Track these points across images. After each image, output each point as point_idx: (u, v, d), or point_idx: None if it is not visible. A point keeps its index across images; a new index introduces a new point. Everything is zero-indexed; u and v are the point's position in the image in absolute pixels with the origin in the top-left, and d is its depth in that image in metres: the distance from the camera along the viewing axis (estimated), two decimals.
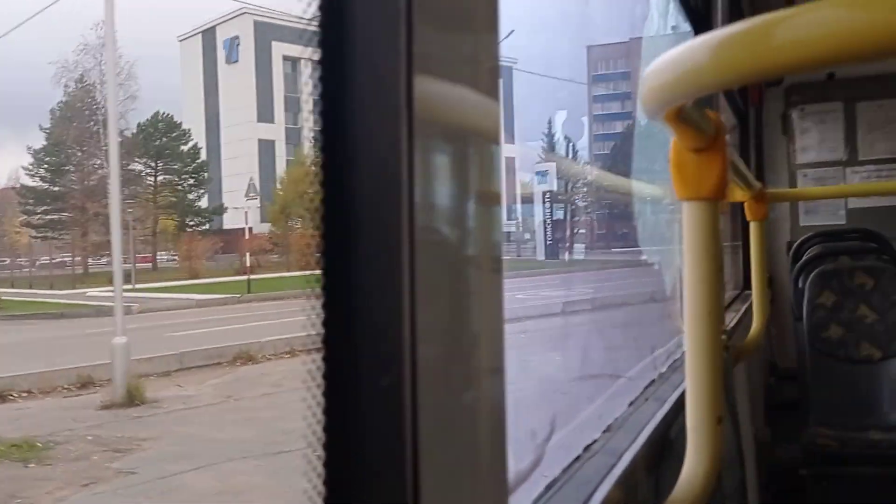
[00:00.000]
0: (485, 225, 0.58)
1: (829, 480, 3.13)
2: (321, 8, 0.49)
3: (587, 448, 1.07)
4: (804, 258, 3.86)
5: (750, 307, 2.71)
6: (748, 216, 2.36)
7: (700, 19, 2.29)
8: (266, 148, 49.32)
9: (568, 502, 0.85)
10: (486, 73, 0.59)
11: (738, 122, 4.19)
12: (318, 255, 0.49)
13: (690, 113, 0.81)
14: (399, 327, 0.47)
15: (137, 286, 30.45)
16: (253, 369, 12.13)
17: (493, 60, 0.60)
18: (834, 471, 3.15)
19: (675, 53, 0.60)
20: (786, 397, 3.98)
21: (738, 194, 2.22)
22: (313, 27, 0.50)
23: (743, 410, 2.61)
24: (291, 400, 8.63)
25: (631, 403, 1.35)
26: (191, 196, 47.32)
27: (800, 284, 3.69)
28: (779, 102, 4.79)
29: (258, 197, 38.83)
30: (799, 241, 4.21)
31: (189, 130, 47.60)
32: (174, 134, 46.80)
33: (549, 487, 0.91)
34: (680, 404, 1.33)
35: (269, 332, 13.95)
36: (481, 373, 0.56)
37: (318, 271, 0.48)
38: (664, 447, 1.23)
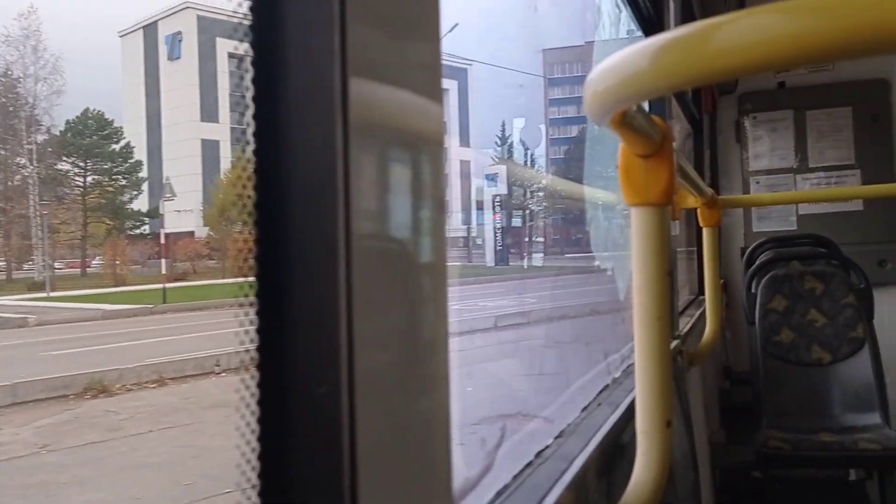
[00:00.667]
0: (428, 231, 0.58)
1: (781, 482, 3.19)
2: (252, 9, 0.48)
3: (539, 454, 1.07)
4: (757, 263, 3.92)
5: (704, 312, 2.74)
6: (701, 222, 2.39)
7: (651, 26, 2.32)
8: (210, 148, 47.53)
9: None
10: (428, 76, 0.58)
11: (692, 129, 4.25)
12: (252, 260, 0.48)
13: (636, 119, 0.81)
14: (336, 335, 0.46)
15: (53, 294, 28.82)
16: (100, 404, 10.04)
17: (434, 63, 0.60)
18: (786, 473, 3.20)
19: (616, 58, 0.60)
20: (740, 400, 4.04)
21: (690, 201, 2.25)
22: (246, 28, 0.49)
23: (697, 414, 2.64)
24: (118, 451, 7.51)
25: (584, 409, 1.35)
26: (123, 198, 45.19)
27: (753, 289, 3.75)
28: (732, 110, 4.87)
29: (175, 198, 37.28)
30: (752, 247, 4.29)
31: (121, 128, 45.70)
32: (105, 132, 44.64)
33: (499, 494, 0.91)
34: (632, 409, 1.34)
35: (156, 351, 12.42)
36: (425, 381, 0.55)
37: (251, 278, 0.47)
38: (616, 452, 1.23)
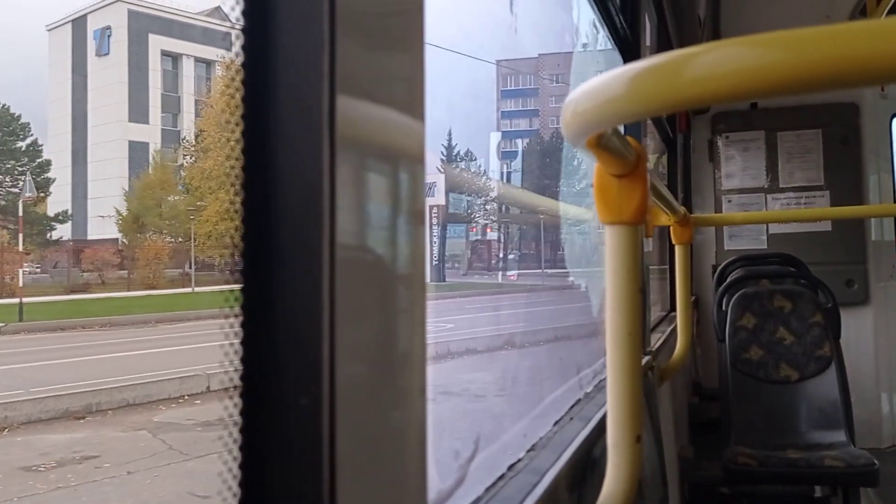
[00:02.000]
0: (408, 244, 0.59)
1: (748, 498, 3.22)
2: (244, 29, 0.49)
3: (511, 467, 1.09)
4: (728, 281, 3.97)
5: (676, 328, 2.77)
6: (673, 240, 2.43)
7: (628, 46, 2.36)
8: (138, 151, 43.77)
9: None
10: (411, 94, 0.60)
11: (666, 149, 4.31)
12: (237, 272, 0.49)
13: (612, 140, 0.83)
14: (318, 346, 0.47)
15: None
16: None
17: (417, 81, 0.61)
18: (753, 489, 3.24)
19: (594, 83, 0.62)
20: (709, 416, 4.08)
21: (663, 219, 2.28)
22: (237, 45, 0.50)
23: (667, 429, 2.67)
24: None
25: (556, 423, 1.37)
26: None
27: (723, 306, 3.80)
28: (706, 130, 4.95)
29: (35, 197, 34.08)
30: (723, 265, 4.35)
31: (28, 125, 42.65)
32: (10, 128, 41.71)
33: None
34: (604, 423, 1.36)
35: None
36: (403, 392, 0.57)
37: (236, 287, 0.48)
38: (588, 465, 1.25)
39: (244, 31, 0.49)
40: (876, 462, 3.06)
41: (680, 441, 3.49)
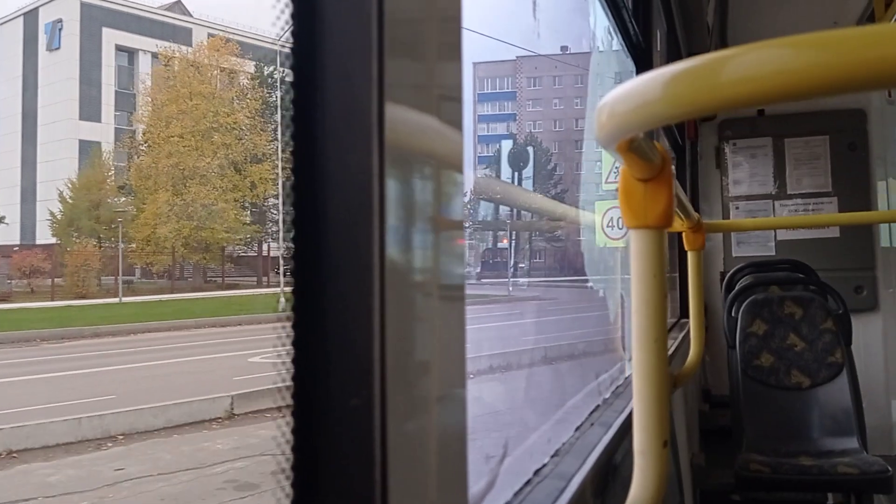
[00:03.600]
0: (449, 251, 0.60)
1: None
2: (293, 33, 0.50)
3: (537, 472, 1.09)
4: (737, 287, 3.97)
5: (687, 335, 2.77)
6: (686, 246, 2.42)
7: (641, 53, 2.37)
8: (90, 150, 40.20)
9: None
10: (451, 102, 0.61)
11: (675, 155, 4.32)
12: (290, 275, 0.49)
13: (641, 144, 0.84)
14: (369, 348, 0.48)
15: None
16: None
17: (457, 92, 0.62)
18: (766, 496, 3.23)
19: (630, 86, 0.63)
20: (719, 424, 4.07)
21: (676, 224, 2.28)
22: (286, 49, 0.50)
23: (680, 436, 2.67)
24: None
25: (577, 428, 1.37)
26: None
27: (733, 313, 3.79)
28: (713, 137, 4.95)
29: None
30: (732, 271, 4.34)
31: None
32: None
33: None
34: (624, 429, 1.36)
35: None
36: (446, 396, 0.57)
37: (290, 290, 0.49)
38: (609, 472, 1.25)
39: (293, 34, 0.50)
40: (889, 469, 3.04)
41: (691, 448, 3.48)
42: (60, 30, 42.44)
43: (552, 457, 1.17)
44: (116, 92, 41.97)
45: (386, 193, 0.49)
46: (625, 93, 0.64)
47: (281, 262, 32.85)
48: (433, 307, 0.57)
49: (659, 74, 0.57)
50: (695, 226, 2.32)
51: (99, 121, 41.52)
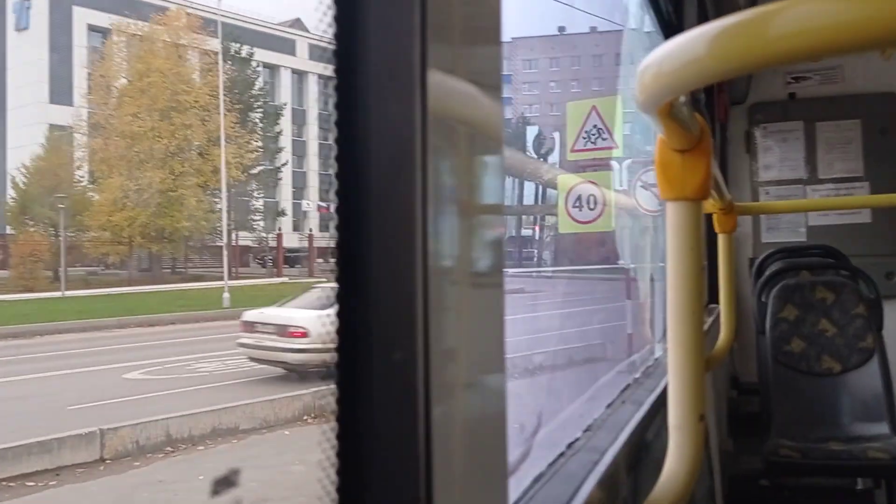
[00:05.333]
0: (490, 213, 0.59)
1: (790, 491, 3.19)
2: (336, 4, 0.49)
3: (570, 445, 1.08)
4: (767, 273, 3.93)
5: (716, 319, 2.75)
6: (717, 228, 2.40)
7: (670, 27, 2.34)
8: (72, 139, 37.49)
9: (554, 497, 0.85)
10: (491, 73, 0.60)
11: None
12: (335, 239, 0.49)
13: (681, 110, 0.83)
14: (413, 305, 0.47)
15: None
16: None
17: (496, 65, 0.61)
18: (795, 482, 3.20)
19: (671, 46, 0.62)
20: (747, 410, 4.04)
21: (707, 205, 2.26)
22: (327, 20, 0.50)
23: (710, 421, 2.65)
24: None
25: (609, 405, 1.36)
26: None
27: (763, 298, 3.75)
28: (742, 120, 4.89)
29: None
30: (763, 257, 4.29)
31: None
32: None
33: (536, 480, 0.92)
34: (656, 407, 1.35)
35: None
36: (487, 356, 0.57)
37: (334, 258, 0.49)
38: (642, 448, 1.24)
39: (336, 3, 0.49)
40: None
41: (720, 434, 3.46)
42: (28, 9, 39.98)
43: (584, 431, 1.17)
44: (89, 74, 37.98)
45: (428, 155, 0.48)
46: (671, 51, 0.62)
47: (225, 254, 29.91)
48: (475, 266, 0.57)
49: (706, 30, 0.56)
50: (726, 207, 2.29)
51: (70, 104, 37.76)
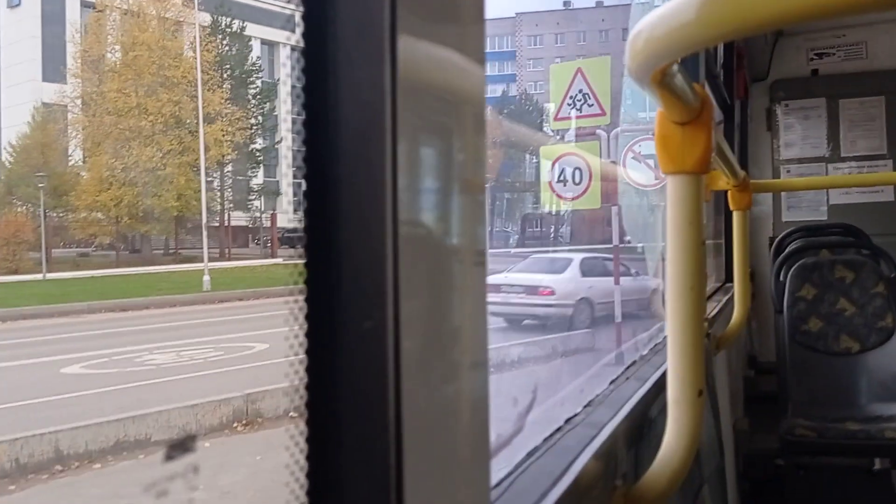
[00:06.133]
0: (467, 181, 0.58)
1: (805, 470, 3.17)
2: None
3: (568, 420, 1.08)
4: (786, 251, 3.89)
5: (731, 299, 2.72)
6: (731, 205, 2.37)
7: None
8: (57, 114, 36.07)
9: (549, 470, 0.85)
10: (472, 34, 0.59)
11: (723, 116, 4.22)
12: (302, 208, 0.48)
13: (677, 78, 0.81)
14: (382, 274, 0.47)
15: None
16: None
17: (478, 19, 0.60)
18: (811, 461, 3.18)
19: (660, 12, 0.61)
20: (764, 390, 4.02)
21: (721, 182, 2.23)
22: None
23: (723, 400, 2.64)
24: None
25: (612, 381, 1.36)
26: None
27: (781, 277, 3.72)
28: (763, 97, 4.82)
29: None
30: (782, 235, 4.25)
31: None
32: None
33: (530, 454, 0.92)
34: (661, 384, 1.34)
35: None
36: (463, 321, 0.57)
37: (302, 224, 0.48)
38: (644, 424, 1.24)
39: None
40: None
41: (735, 413, 3.45)
42: None
43: (585, 407, 1.16)
44: (83, 51, 36.44)
45: (399, 124, 0.47)
46: (660, 17, 0.61)
47: (204, 235, 27.84)
48: (449, 235, 0.56)
49: None
50: (741, 184, 2.27)
51: (65, 82, 36.31)
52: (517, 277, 11.14)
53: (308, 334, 0.48)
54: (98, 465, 6.69)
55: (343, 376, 0.47)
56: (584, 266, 11.24)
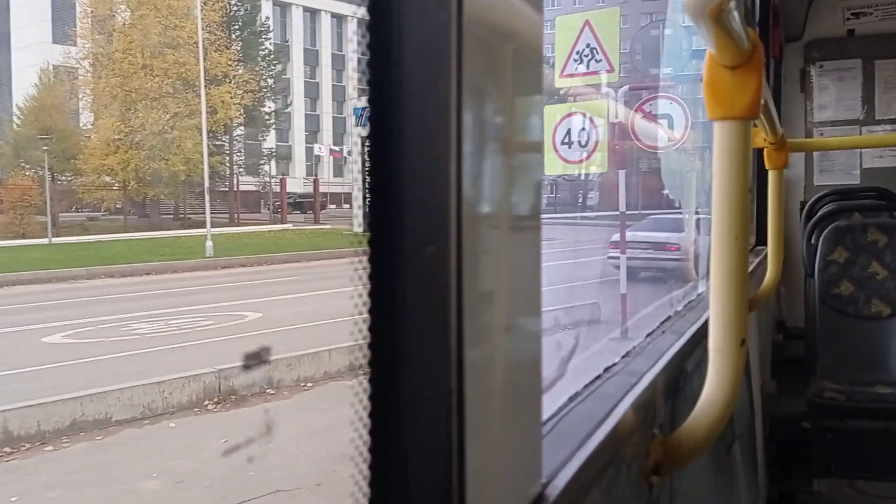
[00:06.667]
0: (526, 128, 0.58)
1: (833, 433, 3.16)
2: None
3: (607, 369, 1.08)
4: (818, 214, 3.84)
5: (763, 261, 2.70)
6: (767, 164, 2.34)
7: None
8: (66, 77, 36.10)
9: (591, 414, 0.85)
10: None
11: None
12: (367, 154, 0.48)
13: (733, 21, 0.79)
14: (446, 198, 0.46)
15: None
16: None
17: None
18: (838, 424, 3.17)
19: None
20: (791, 354, 4.00)
21: (757, 140, 2.20)
22: None
23: (753, 360, 2.62)
24: None
25: (648, 334, 1.36)
26: None
27: (812, 241, 3.68)
28: (798, 58, 4.73)
29: None
30: (814, 199, 4.20)
31: None
32: None
33: (571, 399, 0.92)
34: (697, 338, 1.34)
35: None
36: (521, 248, 0.57)
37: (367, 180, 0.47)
38: (680, 378, 1.24)
39: None
40: None
41: (763, 376, 3.44)
42: None
43: (622, 357, 1.16)
44: (92, 13, 35.78)
45: (464, 58, 0.46)
46: None
47: (207, 199, 26.51)
48: (510, 170, 0.56)
49: None
50: (778, 142, 2.23)
51: (74, 44, 35.87)
52: (644, 235, 11.94)
53: (371, 259, 0.47)
54: (50, 448, 6.15)
55: (407, 303, 0.47)
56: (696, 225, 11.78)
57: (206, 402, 7.11)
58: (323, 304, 10.90)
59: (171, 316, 11.50)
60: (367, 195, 0.47)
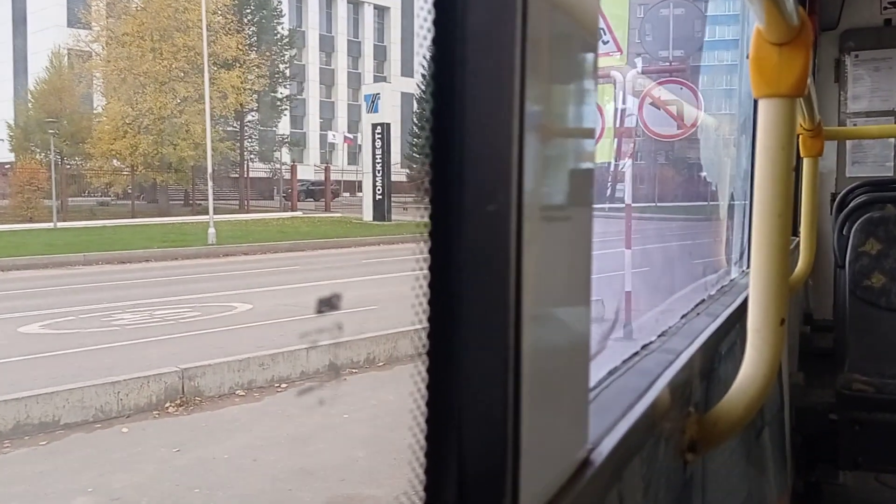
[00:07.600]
0: (578, 115, 0.58)
1: (861, 425, 3.13)
2: None
3: (644, 346, 1.08)
4: (850, 206, 3.80)
5: (795, 249, 2.68)
6: (802, 151, 2.32)
7: None
8: (82, 60, 35.92)
9: (631, 387, 0.86)
10: None
11: None
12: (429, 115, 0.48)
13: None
14: (508, 158, 0.47)
15: None
16: None
17: None
18: (866, 416, 3.14)
19: None
20: (818, 346, 3.97)
21: None
22: None
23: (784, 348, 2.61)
24: None
25: (683, 316, 1.36)
26: None
27: (844, 232, 3.64)
28: (833, 48, 4.66)
29: None
30: (846, 190, 4.15)
31: None
32: None
33: (610, 373, 0.93)
34: (732, 320, 1.34)
35: None
36: (574, 215, 0.57)
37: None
38: (715, 359, 1.24)
39: None
40: None
41: (790, 367, 3.42)
42: None
43: (659, 336, 1.17)
44: None
45: (528, 43, 0.47)
46: None
47: (210, 185, 26.07)
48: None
49: None
50: (814, 129, 2.21)
51: (89, 28, 35.58)
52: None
53: (432, 217, 0.48)
54: None
55: (467, 255, 0.47)
56: None
57: (166, 405, 6.66)
58: (320, 296, 10.54)
59: (158, 306, 11.01)
60: (428, 186, 0.48)
